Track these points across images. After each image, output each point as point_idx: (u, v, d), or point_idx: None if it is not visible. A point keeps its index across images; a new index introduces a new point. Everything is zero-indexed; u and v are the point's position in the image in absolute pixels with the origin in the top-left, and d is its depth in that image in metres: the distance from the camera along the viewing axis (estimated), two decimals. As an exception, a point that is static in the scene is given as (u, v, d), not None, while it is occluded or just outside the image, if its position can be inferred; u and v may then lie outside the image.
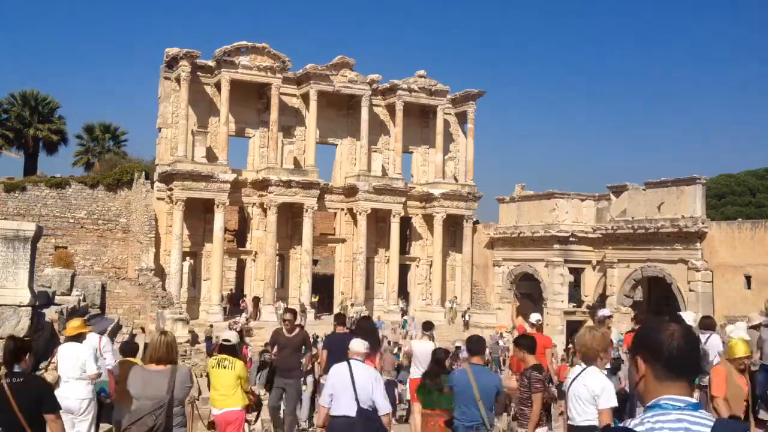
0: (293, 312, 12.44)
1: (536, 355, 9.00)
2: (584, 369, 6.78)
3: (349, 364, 7.86)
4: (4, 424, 6.18)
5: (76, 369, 9.01)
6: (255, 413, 10.19)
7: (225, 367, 9.01)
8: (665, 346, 2.64)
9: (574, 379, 6.89)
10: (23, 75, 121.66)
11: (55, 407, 6.30)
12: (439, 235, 44.68)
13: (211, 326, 35.02)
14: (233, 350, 9.32)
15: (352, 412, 7.60)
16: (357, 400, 7.62)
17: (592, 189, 46.95)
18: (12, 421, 6.08)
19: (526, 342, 8.83)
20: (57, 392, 7.27)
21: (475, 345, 8.99)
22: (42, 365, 11.45)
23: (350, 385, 7.65)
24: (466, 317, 42.89)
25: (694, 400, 2.61)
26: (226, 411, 8.96)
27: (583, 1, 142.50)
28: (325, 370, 10.37)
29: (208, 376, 10.09)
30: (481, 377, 8.35)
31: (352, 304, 40.86)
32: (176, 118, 39.78)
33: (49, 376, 9.60)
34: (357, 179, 42.50)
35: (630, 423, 2.57)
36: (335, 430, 7.73)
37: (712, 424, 2.49)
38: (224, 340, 9.52)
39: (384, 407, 7.76)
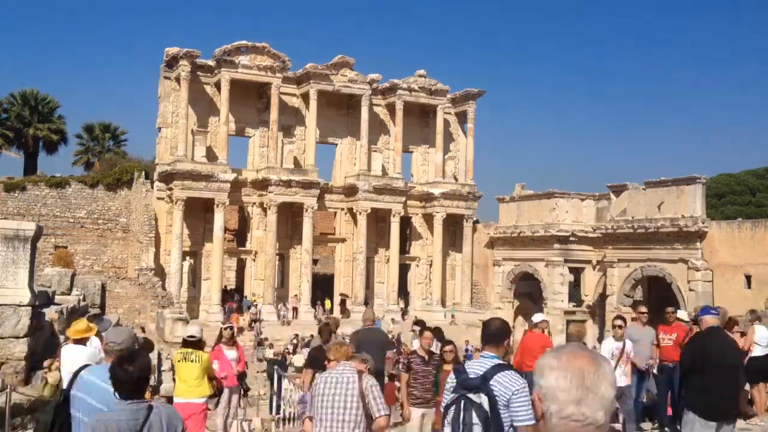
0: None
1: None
2: None
3: None
4: None
5: None
6: (216, 398, 10.72)
7: (192, 361, 9.42)
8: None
9: None
10: (23, 75, 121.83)
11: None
12: (439, 235, 44.64)
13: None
14: (197, 344, 9.76)
15: None
16: None
17: (592, 189, 46.96)
18: None
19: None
20: None
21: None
22: (45, 363, 11.44)
23: None
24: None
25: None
26: (189, 402, 9.26)
27: (583, 1, 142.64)
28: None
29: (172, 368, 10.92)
30: None
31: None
32: (176, 117, 39.74)
33: (50, 377, 9.61)
34: (357, 179, 42.46)
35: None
36: None
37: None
38: (189, 336, 9.82)
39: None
